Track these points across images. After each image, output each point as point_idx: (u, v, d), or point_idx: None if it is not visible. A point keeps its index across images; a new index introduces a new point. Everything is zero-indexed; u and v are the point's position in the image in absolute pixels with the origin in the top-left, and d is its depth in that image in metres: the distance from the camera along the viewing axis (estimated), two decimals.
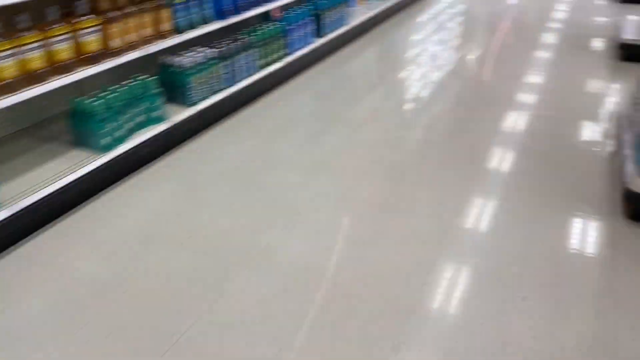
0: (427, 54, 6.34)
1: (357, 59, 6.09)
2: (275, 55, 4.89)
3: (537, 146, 3.92)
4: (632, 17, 6.34)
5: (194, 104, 3.99)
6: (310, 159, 3.77)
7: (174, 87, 3.91)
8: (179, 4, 3.78)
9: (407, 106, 4.88)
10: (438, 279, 2.60)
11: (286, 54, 5.08)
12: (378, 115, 4.57)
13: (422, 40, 6.92)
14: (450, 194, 3.31)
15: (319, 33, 5.67)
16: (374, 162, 3.73)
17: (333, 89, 5.16)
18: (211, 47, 4.18)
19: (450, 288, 2.55)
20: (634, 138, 3.29)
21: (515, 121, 4.35)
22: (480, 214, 3.13)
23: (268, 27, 4.78)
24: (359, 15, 6.60)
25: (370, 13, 6.84)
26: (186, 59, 3.92)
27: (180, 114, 3.86)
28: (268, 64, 4.82)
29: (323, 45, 5.70)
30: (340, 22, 6.06)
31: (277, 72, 4.92)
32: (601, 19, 7.61)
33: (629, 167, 3.10)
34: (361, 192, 3.35)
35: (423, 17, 7.99)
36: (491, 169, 3.63)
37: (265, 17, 4.90)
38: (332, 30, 5.89)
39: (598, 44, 6.43)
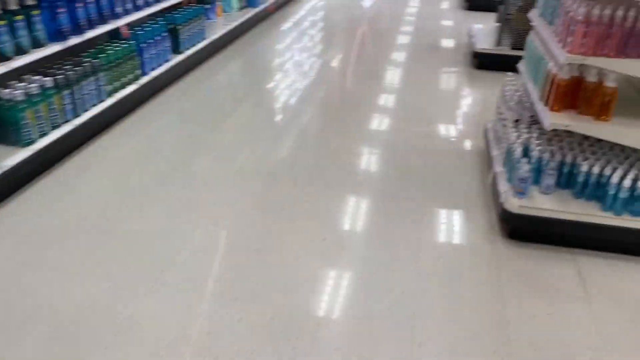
0: (291, 62, 6.20)
1: (221, 74, 5.74)
2: (127, 78, 4.38)
3: (403, 160, 3.88)
4: (481, 26, 6.68)
5: (30, 143, 3.39)
6: (176, 195, 3.37)
7: (3, 125, 3.29)
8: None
9: (276, 119, 4.69)
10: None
11: (140, 75, 4.58)
12: (245, 135, 4.26)
13: (286, 49, 6.76)
14: (324, 216, 3.12)
15: (176, 49, 5.22)
16: (246, 191, 3.43)
17: (196, 109, 4.77)
18: (48, 75, 3.59)
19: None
20: (503, 155, 3.34)
21: (379, 132, 4.31)
22: (350, 235, 2.97)
23: (117, 46, 4.26)
24: (219, 28, 6.23)
25: (231, 25, 6.50)
26: (17, 91, 3.32)
27: (12, 157, 3.25)
28: (120, 88, 4.30)
29: (182, 62, 5.27)
30: (199, 37, 5.65)
31: (131, 95, 4.41)
32: (450, 25, 7.99)
33: (503, 186, 3.12)
34: (234, 230, 3.04)
35: (286, 25, 7.83)
36: (360, 188, 3.50)
37: (114, 35, 4.37)
38: (190, 46, 5.47)
39: (451, 51, 6.69)
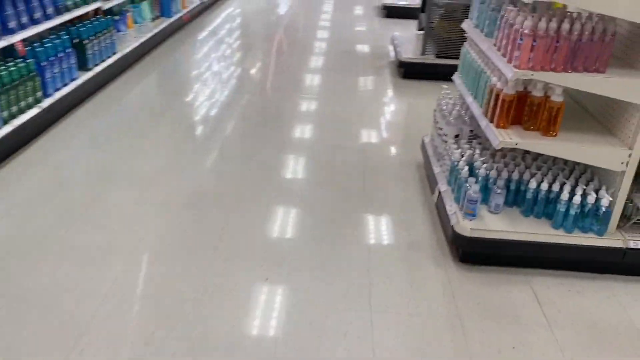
0: (209, 72, 5.89)
1: (135, 90, 5.28)
2: (26, 101, 3.85)
3: (339, 178, 3.66)
4: (403, 34, 6.64)
5: None
6: (87, 239, 2.93)
7: None
8: None
9: (197, 136, 4.37)
10: None
11: (42, 97, 4.07)
12: (166, 159, 3.88)
13: (204, 58, 6.43)
14: (262, 251, 2.83)
15: (83, 66, 4.71)
16: (172, 227, 3.06)
17: (109, 132, 4.31)
18: None
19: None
20: (447, 173, 3.20)
21: (310, 147, 4.07)
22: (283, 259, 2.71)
23: (12, 66, 3.73)
24: (130, 41, 5.74)
25: (144, 37, 6.02)
26: None
27: None
28: (18, 113, 3.77)
29: (91, 79, 4.76)
30: (109, 51, 5.15)
31: (32, 121, 3.89)
32: (370, 33, 7.92)
33: (450, 206, 2.97)
34: (162, 277, 2.67)
35: (202, 35, 7.44)
36: (297, 216, 3.24)
37: (9, 53, 3.84)
38: (100, 61, 4.97)
39: (375, 60, 6.59)
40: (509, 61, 2.59)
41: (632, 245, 2.72)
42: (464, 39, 3.57)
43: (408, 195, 3.52)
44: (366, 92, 5.56)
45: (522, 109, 2.72)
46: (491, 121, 2.78)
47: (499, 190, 2.83)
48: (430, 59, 5.68)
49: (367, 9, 9.56)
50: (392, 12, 8.88)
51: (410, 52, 5.86)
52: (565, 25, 2.41)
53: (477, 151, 3.07)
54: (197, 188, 3.51)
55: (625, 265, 2.79)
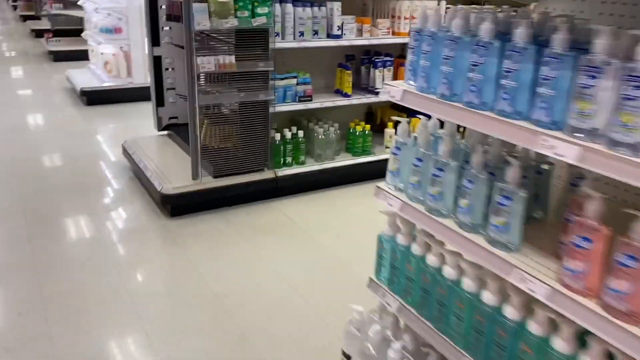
0: None
1: None
2: None
3: None
4: (142, 140, 4.57)
5: None
6: None
7: None
8: None
9: None
10: None
11: None
12: None
13: None
14: None
15: None
16: None
17: None
18: None
19: None
20: None
21: None
22: None
23: None
24: None
25: None
26: None
27: None
28: None
29: None
30: None
31: None
32: (74, 137, 5.56)
33: None
34: None
35: None
36: None
37: None
38: None
39: (116, 190, 4.38)
40: None
41: None
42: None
43: None
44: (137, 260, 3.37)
45: None
46: None
47: None
48: (209, 182, 3.82)
49: (62, 96, 7.00)
50: (95, 98, 6.58)
51: (174, 178, 3.86)
52: None
53: None
54: None
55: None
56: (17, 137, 5.45)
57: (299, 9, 3.85)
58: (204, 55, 3.45)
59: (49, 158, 4.98)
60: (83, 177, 4.54)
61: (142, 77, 6.62)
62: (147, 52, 4.59)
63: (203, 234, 3.59)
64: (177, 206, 3.80)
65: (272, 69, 3.70)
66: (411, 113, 4.70)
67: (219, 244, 3.45)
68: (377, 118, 4.90)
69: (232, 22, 3.41)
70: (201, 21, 3.33)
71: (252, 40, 3.61)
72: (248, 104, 3.77)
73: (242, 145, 3.88)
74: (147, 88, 6.54)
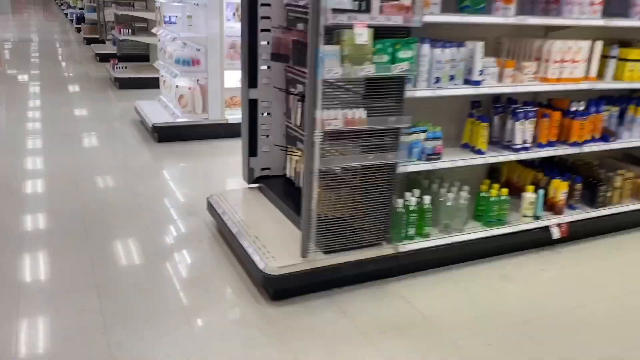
0: None
1: None
2: None
3: None
4: (230, 197, 3.92)
5: None
6: None
7: None
8: None
9: None
10: None
11: None
12: None
13: None
14: None
15: None
16: None
17: None
18: None
19: None
20: None
21: None
22: None
23: None
24: None
25: None
26: None
27: None
28: None
29: None
30: None
31: None
32: (152, 188, 4.98)
33: None
34: None
35: None
36: None
37: None
38: None
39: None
40: None
41: None
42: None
43: None
44: None
45: None
46: None
47: None
48: (321, 260, 3.11)
49: (133, 133, 6.48)
50: (167, 135, 6.02)
51: (278, 253, 3.16)
52: None
53: None
54: None
55: None
56: (85, 181, 4.88)
57: (437, 51, 3.13)
58: (327, 109, 2.76)
59: (128, 218, 4.37)
60: (162, 235, 3.90)
61: (219, 113, 6.03)
62: (241, 94, 3.94)
63: (314, 330, 2.86)
64: (281, 289, 3.09)
65: (409, 125, 2.99)
66: (548, 172, 3.92)
67: (338, 349, 2.71)
68: (503, 176, 4.11)
69: (367, 70, 2.71)
70: (331, 68, 2.64)
71: (384, 90, 2.91)
72: (373, 165, 3.06)
73: (360, 214, 3.16)
74: (223, 124, 6.03)
